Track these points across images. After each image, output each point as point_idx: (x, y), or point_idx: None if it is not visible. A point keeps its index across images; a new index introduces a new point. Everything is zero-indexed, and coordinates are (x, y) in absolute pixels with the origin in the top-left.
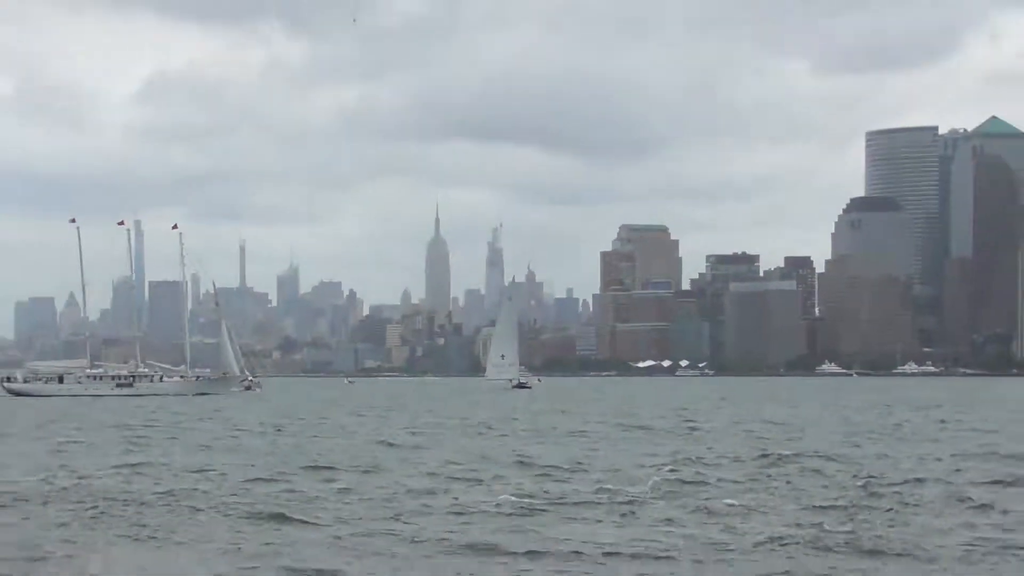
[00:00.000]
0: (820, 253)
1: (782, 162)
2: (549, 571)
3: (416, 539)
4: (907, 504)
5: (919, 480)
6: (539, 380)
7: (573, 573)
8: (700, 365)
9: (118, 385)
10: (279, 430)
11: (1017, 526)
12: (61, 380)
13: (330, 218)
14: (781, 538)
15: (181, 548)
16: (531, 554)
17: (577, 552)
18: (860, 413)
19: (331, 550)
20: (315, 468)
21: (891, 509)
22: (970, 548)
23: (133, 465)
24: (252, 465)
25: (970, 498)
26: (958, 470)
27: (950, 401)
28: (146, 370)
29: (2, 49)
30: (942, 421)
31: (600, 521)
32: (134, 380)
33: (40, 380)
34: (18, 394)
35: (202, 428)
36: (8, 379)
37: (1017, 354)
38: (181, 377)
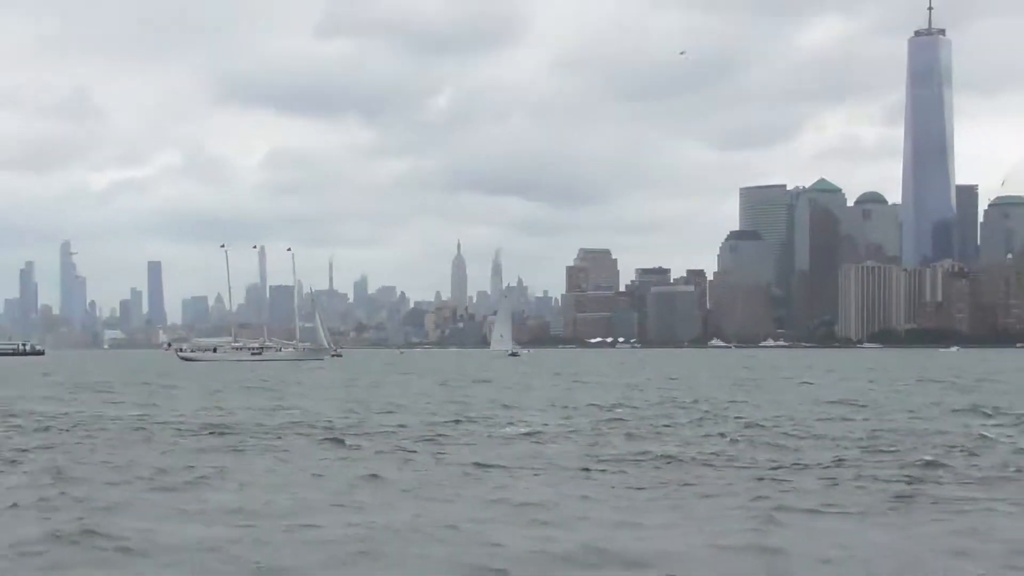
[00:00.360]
0: (710, 267)
1: (685, 207)
2: (532, 477)
3: (441, 455)
4: (767, 432)
5: (777, 417)
6: (528, 352)
7: (545, 476)
8: (632, 341)
9: (252, 354)
10: (354, 384)
11: (843, 448)
12: (215, 350)
13: (389, 244)
14: (679, 455)
15: (291, 462)
16: (520, 468)
17: (552, 463)
18: (735, 372)
19: (383, 462)
20: (377, 412)
21: (757, 437)
22: (812, 463)
23: (264, 408)
24: (338, 407)
25: (812, 429)
26: (799, 410)
27: (793, 365)
28: (271, 344)
29: (175, 133)
30: (787, 378)
31: (562, 444)
32: (263, 350)
33: (201, 350)
34: (187, 359)
35: (306, 382)
36: (180, 349)
37: (838, 333)
38: (293, 348)
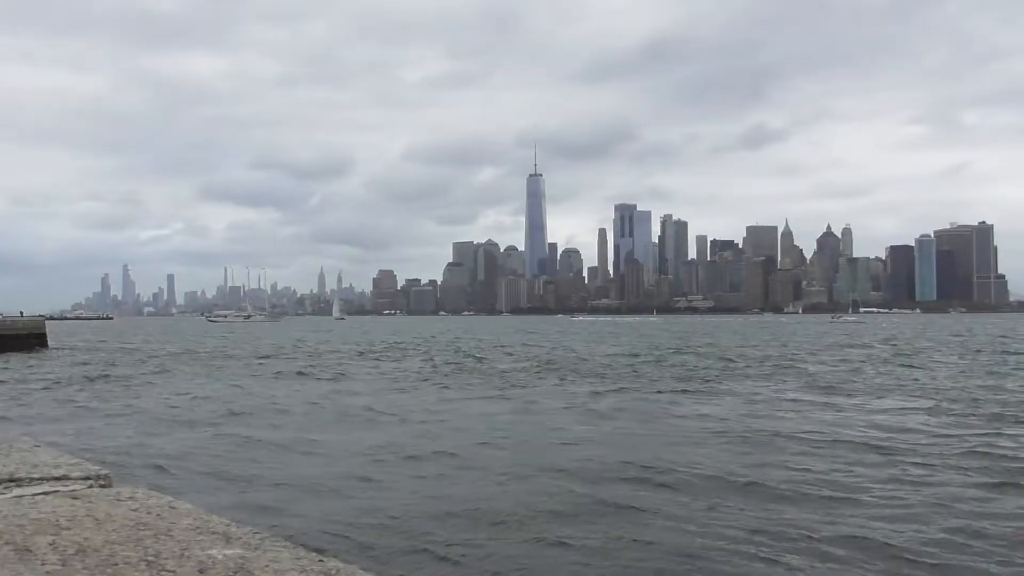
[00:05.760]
0: (439, 279)
1: (428, 252)
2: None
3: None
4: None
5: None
6: (347, 317)
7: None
8: (400, 312)
9: (244, 318)
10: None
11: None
12: (226, 317)
13: (288, 267)
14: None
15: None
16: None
17: (361, 355)
18: (452, 324)
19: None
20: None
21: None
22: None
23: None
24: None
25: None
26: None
27: (483, 325)
28: (251, 314)
29: None
30: (489, 329)
31: (362, 357)
32: (249, 317)
33: (220, 318)
34: (212, 321)
35: (277, 331)
36: (210, 318)
37: (496, 308)
38: (261, 316)
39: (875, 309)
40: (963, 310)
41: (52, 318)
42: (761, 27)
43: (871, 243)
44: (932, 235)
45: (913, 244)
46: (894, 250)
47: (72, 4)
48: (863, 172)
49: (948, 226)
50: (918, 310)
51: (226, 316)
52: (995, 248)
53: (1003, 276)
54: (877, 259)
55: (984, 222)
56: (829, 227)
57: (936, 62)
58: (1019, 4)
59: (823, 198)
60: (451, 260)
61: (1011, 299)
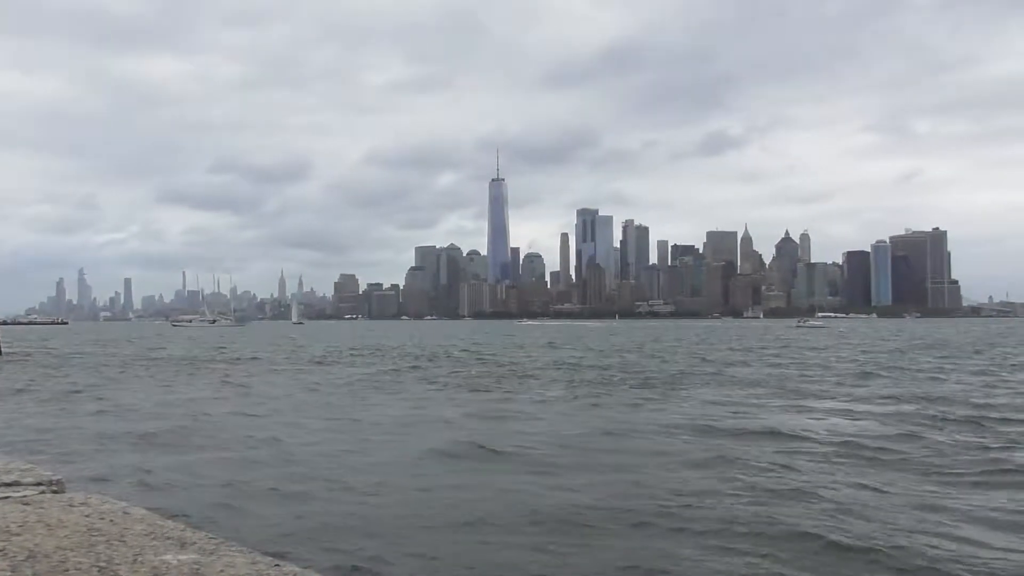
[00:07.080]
0: (401, 283)
1: (392, 255)
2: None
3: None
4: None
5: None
6: (305, 322)
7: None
8: (360, 316)
9: (210, 323)
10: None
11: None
12: (191, 322)
13: (249, 272)
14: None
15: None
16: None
17: (311, 356)
18: (417, 328)
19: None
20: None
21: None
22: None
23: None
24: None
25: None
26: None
27: (445, 329)
28: (216, 318)
29: None
30: (445, 333)
31: (329, 363)
32: (215, 321)
33: (184, 322)
34: (176, 325)
35: (245, 335)
36: (174, 322)
37: (459, 313)
38: (226, 320)
39: (832, 314)
40: (918, 315)
41: (5, 323)
42: (720, 35)
43: (829, 249)
44: (888, 241)
45: (869, 250)
46: (851, 255)
47: (27, 4)
48: (820, 179)
49: (903, 232)
50: (874, 315)
51: (191, 321)
52: (948, 254)
53: (956, 281)
54: (835, 264)
55: (938, 228)
56: (788, 233)
57: (890, 71)
58: (969, 16)
59: (781, 204)
60: (413, 264)
61: (964, 304)
